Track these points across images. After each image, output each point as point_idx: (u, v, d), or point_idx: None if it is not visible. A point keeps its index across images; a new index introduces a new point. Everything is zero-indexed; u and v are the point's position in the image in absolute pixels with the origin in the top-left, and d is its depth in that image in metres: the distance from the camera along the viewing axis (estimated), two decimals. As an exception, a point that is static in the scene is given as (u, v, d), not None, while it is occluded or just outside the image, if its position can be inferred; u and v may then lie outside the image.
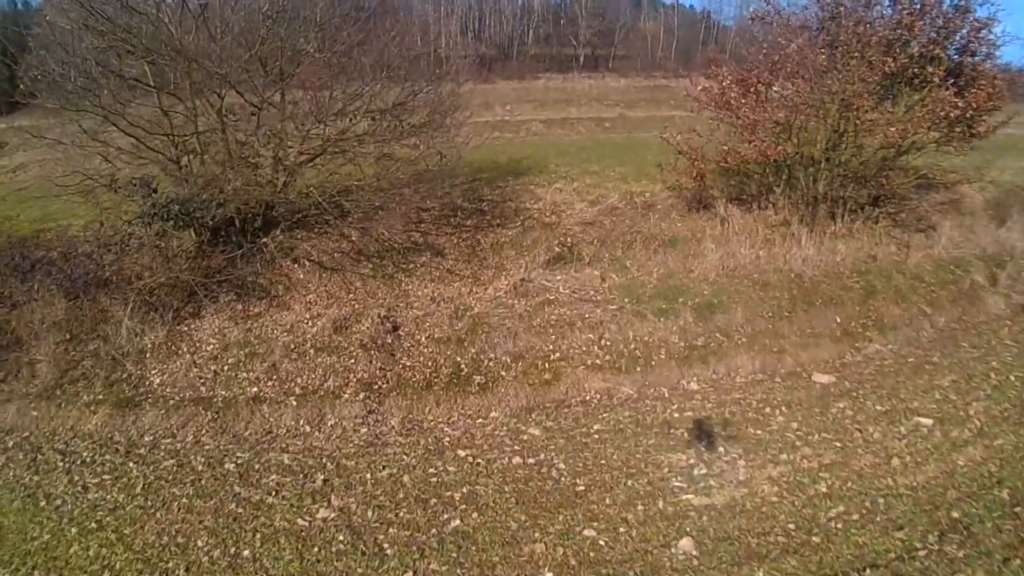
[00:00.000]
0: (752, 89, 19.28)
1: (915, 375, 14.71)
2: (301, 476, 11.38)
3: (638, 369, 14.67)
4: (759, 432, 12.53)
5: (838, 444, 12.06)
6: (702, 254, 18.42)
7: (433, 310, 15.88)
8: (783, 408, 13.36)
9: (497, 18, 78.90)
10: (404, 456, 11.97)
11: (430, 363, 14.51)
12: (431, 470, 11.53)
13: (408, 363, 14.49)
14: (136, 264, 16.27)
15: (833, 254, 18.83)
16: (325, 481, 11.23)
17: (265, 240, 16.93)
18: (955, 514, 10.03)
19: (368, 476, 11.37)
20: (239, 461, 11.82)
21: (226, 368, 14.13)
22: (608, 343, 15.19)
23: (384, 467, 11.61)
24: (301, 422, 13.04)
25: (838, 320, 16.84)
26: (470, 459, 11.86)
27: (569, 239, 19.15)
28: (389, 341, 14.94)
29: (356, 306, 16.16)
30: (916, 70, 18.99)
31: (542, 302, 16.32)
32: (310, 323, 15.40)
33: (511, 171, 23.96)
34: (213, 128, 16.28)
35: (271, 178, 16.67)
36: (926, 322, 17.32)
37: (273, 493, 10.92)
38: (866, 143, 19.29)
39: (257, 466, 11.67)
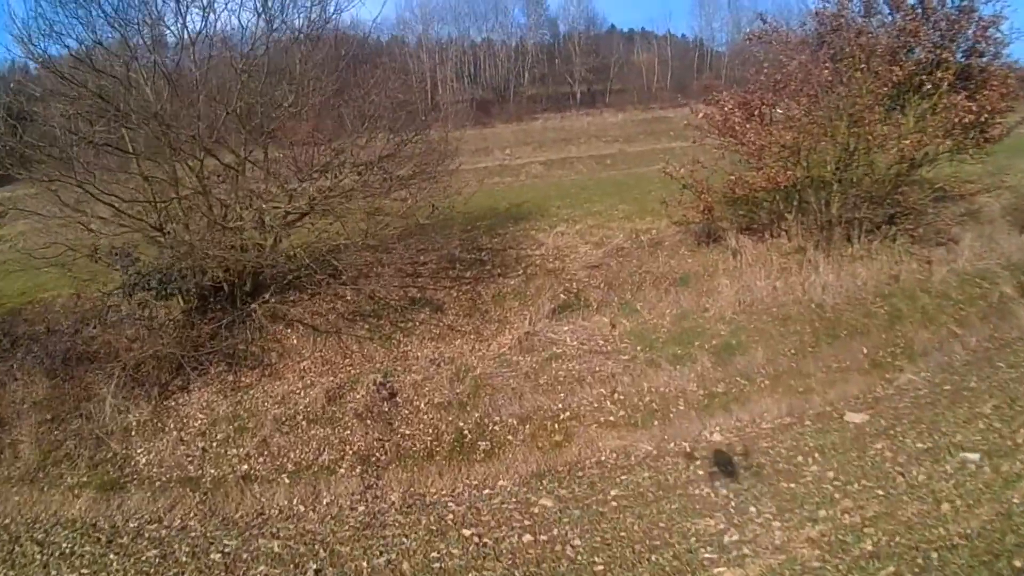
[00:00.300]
0: (756, 112, 18.39)
1: (954, 405, 13.64)
2: (292, 566, 10.35)
3: (655, 423, 13.61)
4: (792, 485, 11.42)
5: (880, 492, 10.96)
6: (716, 290, 17.42)
7: (432, 373, 14.81)
8: (816, 455, 12.29)
9: (492, 61, 78.83)
10: (404, 538, 10.90)
11: (431, 431, 13.47)
12: (433, 554, 10.45)
13: (407, 432, 13.45)
14: (121, 337, 15.34)
15: (853, 278, 17.80)
16: (317, 572, 10.20)
17: (255, 306, 15.99)
18: (1017, 563, 9.02)
19: (364, 564, 10.30)
20: (226, 550, 10.79)
21: (215, 445, 13.16)
22: (621, 397, 14.15)
23: (382, 552, 10.54)
24: (295, 501, 12.00)
25: (865, 351, 15.78)
26: (476, 539, 10.77)
27: (575, 285, 18.17)
28: (386, 409, 13.90)
29: (352, 371, 15.15)
30: (924, 77, 18.11)
31: (548, 357, 15.29)
32: (302, 393, 14.35)
33: (511, 216, 23.07)
34: (195, 192, 15.31)
35: (258, 241, 15.65)
36: (957, 344, 16.31)
37: (261, 589, 9.85)
38: (878, 160, 18.31)
39: (245, 556, 10.63)
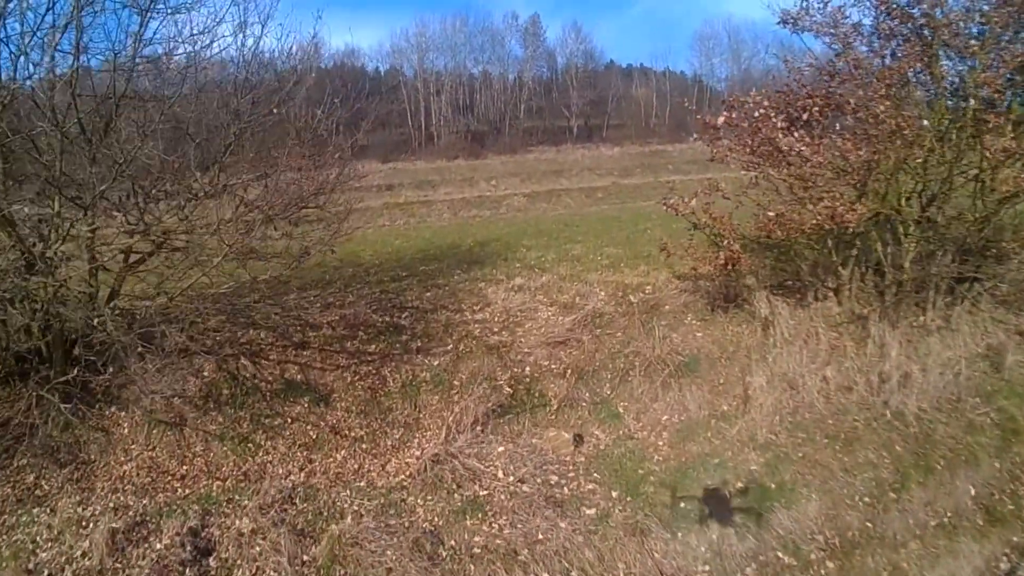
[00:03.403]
0: (806, 116, 11.65)
1: None
2: None
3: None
4: None
5: None
6: (742, 386, 11.02)
7: (273, 519, 8.65)
8: None
9: (488, 93, 73.58)
10: None
11: None
12: None
13: None
14: None
15: (942, 369, 11.31)
16: None
17: (81, 378, 10.23)
18: None
19: None
20: None
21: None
22: (580, 597, 7.72)
23: None
24: None
25: (973, 491, 9.51)
26: None
27: (527, 371, 11.58)
28: None
29: (179, 491, 9.32)
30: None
31: (464, 504, 8.93)
32: (83, 529, 8.43)
33: (466, 259, 16.61)
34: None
35: (87, 289, 10.20)
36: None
37: None
38: (997, 188, 11.82)
39: None
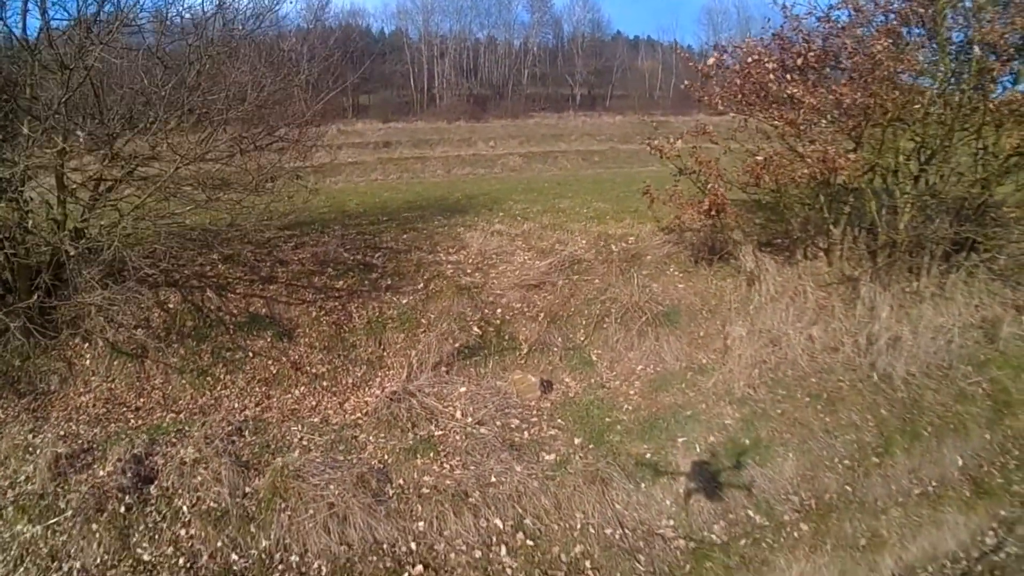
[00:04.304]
0: (800, 61, 10.80)
1: None
2: None
3: (586, 608, 6.64)
4: None
5: None
6: (722, 339, 10.38)
7: (219, 449, 8.12)
8: None
9: (492, 58, 72.13)
10: None
11: (184, 559, 7.03)
12: None
13: (147, 556, 7.05)
14: None
15: (934, 335, 10.68)
16: None
17: (41, 304, 9.73)
18: None
19: None
20: None
21: None
22: (530, 544, 7.18)
23: None
24: None
25: (961, 461, 8.97)
26: None
27: (498, 313, 10.92)
28: (124, 510, 7.44)
29: (132, 422, 8.89)
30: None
31: (416, 442, 8.29)
32: (29, 455, 8.08)
33: (450, 209, 15.93)
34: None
35: (54, 215, 9.71)
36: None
37: None
38: (1000, 146, 11.07)
39: None
